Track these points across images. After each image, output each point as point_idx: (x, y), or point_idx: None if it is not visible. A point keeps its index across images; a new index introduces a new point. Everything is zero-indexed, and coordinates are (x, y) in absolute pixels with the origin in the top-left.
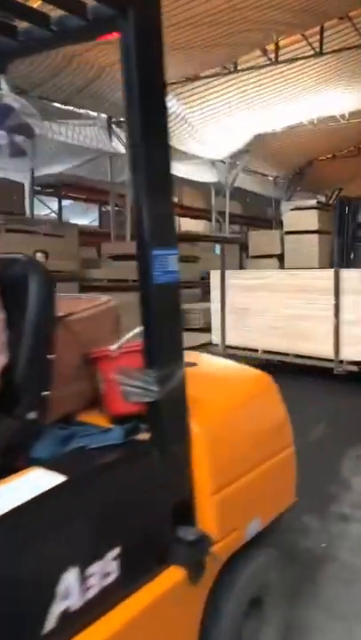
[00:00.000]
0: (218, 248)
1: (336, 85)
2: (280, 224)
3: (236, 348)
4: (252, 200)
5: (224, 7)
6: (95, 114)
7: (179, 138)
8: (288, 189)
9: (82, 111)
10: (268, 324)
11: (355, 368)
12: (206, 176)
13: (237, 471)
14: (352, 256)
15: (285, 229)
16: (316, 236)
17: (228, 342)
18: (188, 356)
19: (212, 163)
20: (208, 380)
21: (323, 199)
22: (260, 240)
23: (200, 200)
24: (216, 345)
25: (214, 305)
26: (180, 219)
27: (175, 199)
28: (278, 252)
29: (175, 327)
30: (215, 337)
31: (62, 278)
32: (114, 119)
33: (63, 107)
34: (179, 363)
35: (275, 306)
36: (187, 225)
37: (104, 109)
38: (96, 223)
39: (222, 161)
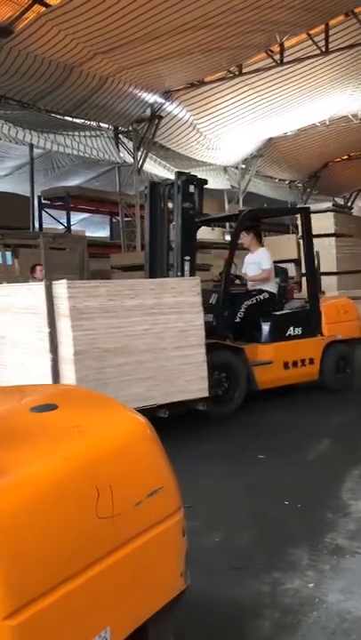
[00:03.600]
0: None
1: (346, 85)
2: (296, 228)
3: None
4: (269, 205)
5: (223, 9)
6: (102, 125)
7: (188, 145)
8: (304, 193)
9: (88, 123)
10: (18, 360)
11: None
12: (219, 182)
13: (58, 575)
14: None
15: (301, 234)
16: (333, 240)
17: None
18: (55, 394)
19: (224, 169)
20: (48, 435)
21: (341, 202)
22: (275, 245)
23: (213, 207)
24: None
25: None
26: None
27: None
28: (295, 256)
29: None
30: None
31: None
32: (120, 129)
33: (68, 119)
34: None
35: (23, 333)
36: (200, 232)
37: (109, 120)
38: None
39: (235, 167)
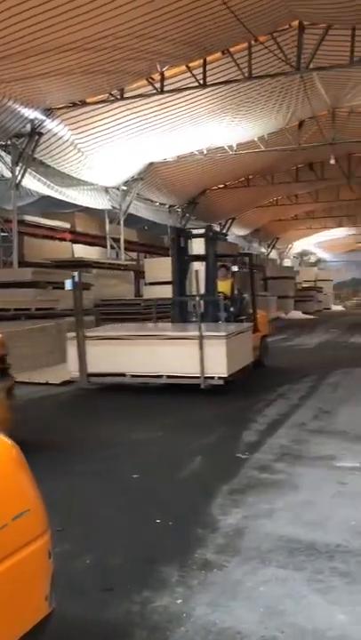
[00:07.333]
0: None
1: (222, 117)
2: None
3: None
4: (150, 228)
5: (106, 34)
6: None
7: (68, 163)
8: (183, 218)
9: None
10: None
11: None
12: (100, 202)
13: None
14: None
15: None
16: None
17: None
18: None
19: (106, 189)
20: None
21: (217, 228)
22: (156, 267)
23: (94, 226)
24: None
25: None
26: (74, 245)
27: (68, 225)
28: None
29: None
30: None
31: None
32: None
33: None
34: None
35: None
36: (81, 251)
37: None
38: None
39: (116, 188)
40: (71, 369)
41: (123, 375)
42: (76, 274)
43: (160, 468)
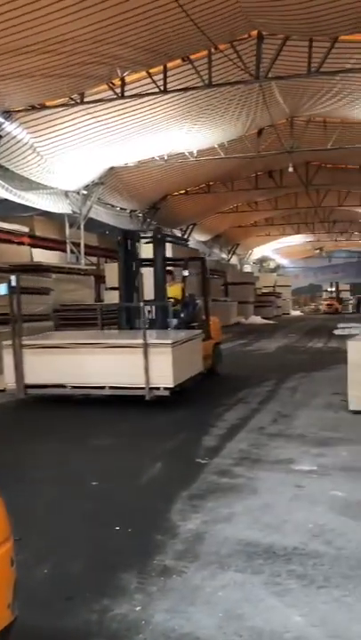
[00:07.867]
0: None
1: (182, 123)
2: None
3: None
4: (111, 232)
5: (65, 38)
6: None
7: (28, 167)
8: (144, 223)
9: None
10: None
11: None
12: (60, 206)
13: None
14: None
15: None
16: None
17: None
18: None
19: (66, 193)
20: None
21: (179, 233)
22: (116, 272)
23: (54, 231)
24: None
25: None
26: (33, 249)
27: (27, 229)
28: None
29: None
30: None
31: None
32: None
33: None
34: None
35: None
36: (40, 256)
37: None
38: None
39: (76, 192)
40: (7, 380)
41: (63, 387)
42: (12, 277)
43: (119, 474)
